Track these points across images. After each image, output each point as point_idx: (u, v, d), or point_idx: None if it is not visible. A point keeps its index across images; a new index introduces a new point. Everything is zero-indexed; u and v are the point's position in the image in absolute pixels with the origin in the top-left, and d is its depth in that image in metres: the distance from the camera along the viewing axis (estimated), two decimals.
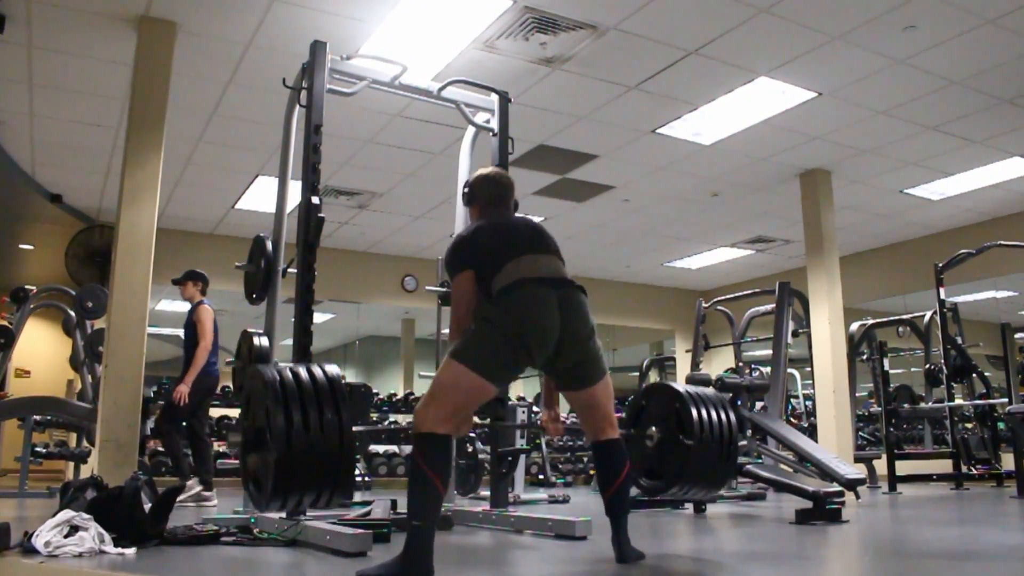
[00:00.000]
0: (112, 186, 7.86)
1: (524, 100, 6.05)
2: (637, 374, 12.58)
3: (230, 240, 9.61)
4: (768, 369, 7.22)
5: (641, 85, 6.04)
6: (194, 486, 5.49)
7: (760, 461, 6.13)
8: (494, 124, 4.48)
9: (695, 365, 8.35)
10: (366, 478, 7.94)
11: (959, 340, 8.23)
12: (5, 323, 7.78)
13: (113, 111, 6.37)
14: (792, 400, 10.10)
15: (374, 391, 8.87)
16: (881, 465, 7.82)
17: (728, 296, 8.80)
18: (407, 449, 9.42)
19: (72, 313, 7.65)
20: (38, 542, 2.80)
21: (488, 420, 4.26)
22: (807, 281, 8.15)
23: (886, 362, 8.00)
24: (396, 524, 3.58)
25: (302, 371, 2.88)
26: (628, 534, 2.81)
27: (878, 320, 9.25)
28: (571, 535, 3.54)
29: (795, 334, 7.57)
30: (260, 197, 8.39)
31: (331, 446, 2.77)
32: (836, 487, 4.75)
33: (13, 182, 7.89)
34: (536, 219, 6.69)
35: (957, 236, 9.46)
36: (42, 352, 11.08)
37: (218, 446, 9.05)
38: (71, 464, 7.66)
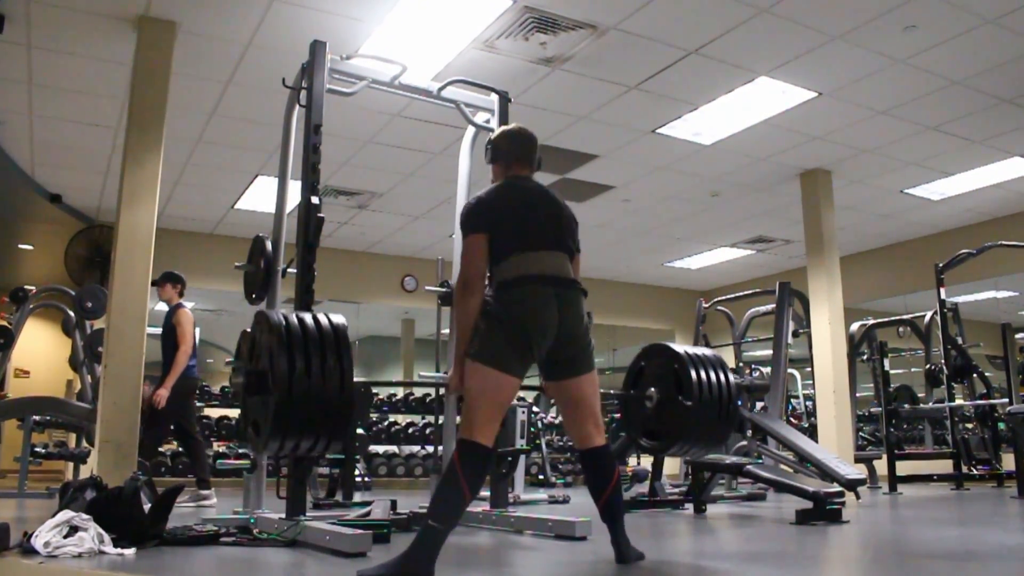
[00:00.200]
0: (112, 186, 7.85)
1: (524, 100, 6.04)
2: None
3: (230, 240, 9.61)
4: (768, 369, 7.21)
5: (641, 85, 6.03)
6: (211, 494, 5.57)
7: (760, 461, 6.12)
8: (494, 124, 4.47)
9: None
10: (366, 478, 7.94)
11: (959, 340, 8.23)
12: (5, 323, 7.78)
13: (113, 111, 6.37)
14: (792, 400, 10.08)
15: (374, 391, 8.87)
16: (881, 465, 7.81)
17: (728, 296, 8.80)
18: (407, 449, 9.43)
19: (71, 313, 7.64)
20: (37, 542, 2.80)
21: None
22: (807, 281, 8.15)
23: (886, 362, 7.99)
24: (396, 524, 3.58)
25: (307, 317, 2.88)
26: (627, 535, 2.81)
27: (878, 320, 9.24)
28: (571, 535, 3.54)
29: (795, 334, 7.56)
30: (260, 197, 8.39)
31: (331, 393, 2.78)
32: (836, 487, 4.75)
33: (12, 182, 7.89)
34: None
35: (957, 236, 9.46)
36: (41, 352, 11.08)
37: (218, 446, 9.06)
38: (70, 464, 7.66)
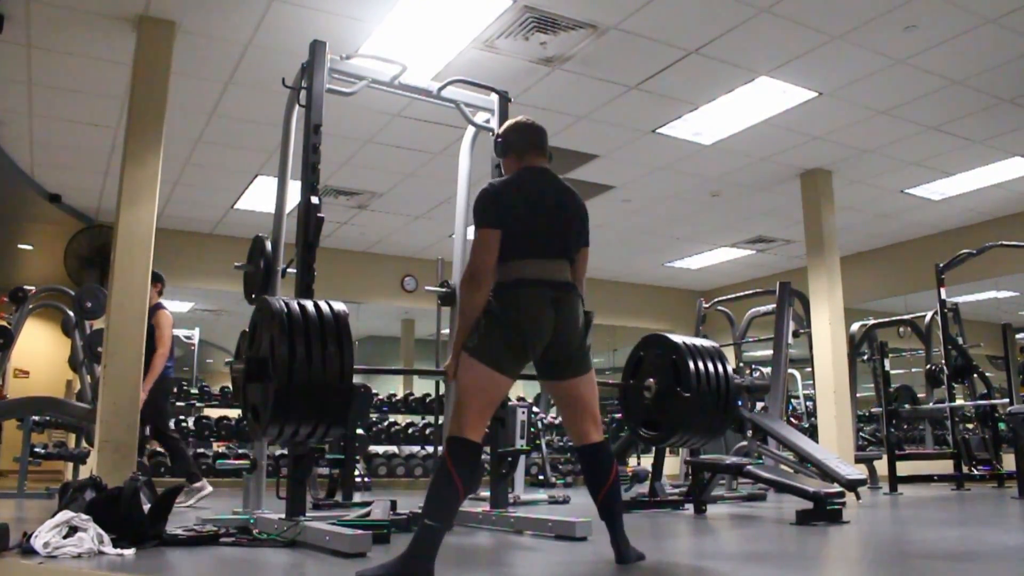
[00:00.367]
0: (111, 186, 7.85)
1: (524, 100, 6.04)
2: None
3: (229, 240, 9.60)
4: (769, 369, 7.21)
5: (641, 85, 6.03)
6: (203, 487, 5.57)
7: (761, 462, 6.12)
8: (494, 124, 4.47)
9: None
10: (366, 479, 7.93)
11: (960, 340, 8.22)
12: (4, 323, 7.77)
13: (112, 111, 6.36)
14: (793, 400, 10.08)
15: (374, 391, 8.86)
16: (882, 466, 7.81)
17: (728, 296, 8.79)
18: (407, 450, 9.42)
19: (71, 313, 7.63)
20: (37, 543, 2.80)
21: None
22: (808, 281, 8.14)
23: (887, 362, 7.98)
24: (396, 525, 3.57)
25: (309, 305, 2.88)
26: (626, 535, 2.81)
27: (879, 320, 9.24)
28: (571, 536, 3.54)
29: (796, 334, 7.56)
30: (259, 197, 8.38)
31: (331, 380, 2.78)
32: (837, 488, 4.74)
33: (12, 182, 7.88)
34: None
35: (958, 236, 9.45)
36: (41, 352, 11.08)
37: (218, 446, 9.06)
38: (70, 465, 7.65)
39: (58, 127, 6.77)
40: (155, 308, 5.76)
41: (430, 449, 9.14)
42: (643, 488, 6.22)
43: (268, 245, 4.12)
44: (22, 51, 5.48)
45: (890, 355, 8.14)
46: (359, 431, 6.50)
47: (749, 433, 6.55)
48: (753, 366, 8.26)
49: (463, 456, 2.53)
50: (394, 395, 9.81)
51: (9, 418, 7.16)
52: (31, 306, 7.86)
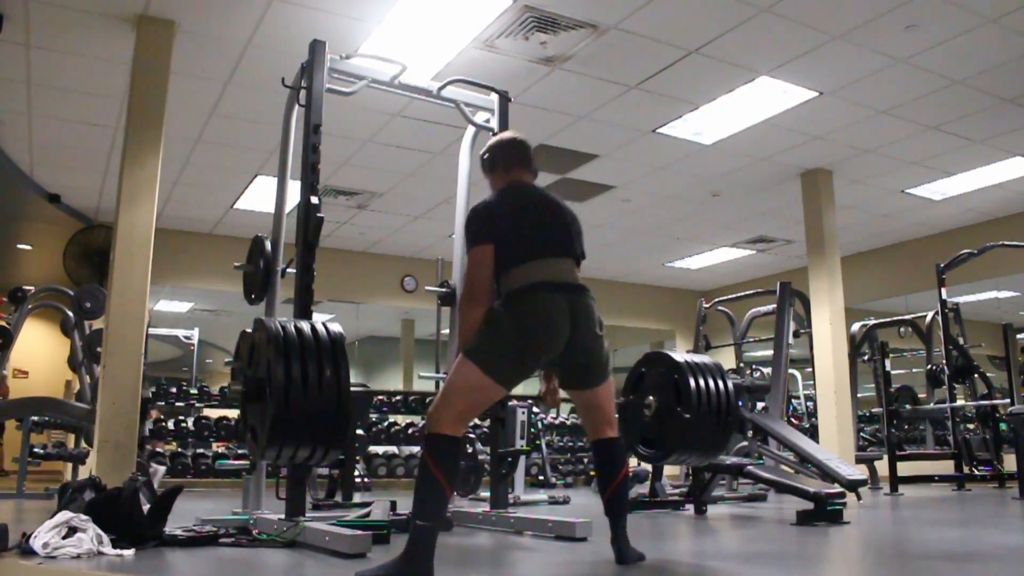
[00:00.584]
0: (110, 186, 7.84)
1: (524, 100, 6.03)
2: None
3: (229, 240, 9.60)
4: (769, 370, 7.20)
5: (641, 84, 6.02)
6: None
7: (761, 462, 6.11)
8: (494, 124, 4.46)
9: None
10: (365, 479, 7.92)
11: (961, 340, 8.21)
12: (3, 323, 7.76)
13: (111, 111, 6.36)
14: (793, 401, 10.07)
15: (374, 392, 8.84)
16: (882, 466, 7.80)
17: (729, 296, 8.78)
18: (407, 450, 9.41)
19: (70, 314, 7.62)
20: (36, 543, 2.79)
21: (488, 421, 4.24)
22: (808, 281, 8.14)
23: (887, 362, 7.97)
24: (396, 525, 3.56)
25: (305, 327, 2.87)
26: (627, 535, 2.80)
27: (880, 320, 9.23)
28: (571, 536, 3.53)
29: (796, 334, 7.55)
30: (259, 197, 8.38)
31: (328, 405, 2.77)
32: (837, 488, 4.74)
33: (11, 182, 7.87)
34: None
35: (959, 236, 9.44)
36: (40, 353, 11.07)
37: (217, 446, 9.05)
38: (69, 465, 7.64)
39: (57, 127, 6.76)
40: None
41: None
42: (643, 488, 6.21)
43: (268, 245, 4.11)
44: (21, 51, 5.47)
45: (891, 355, 8.13)
46: (359, 431, 6.50)
47: (749, 433, 6.54)
48: (753, 366, 8.26)
49: (442, 452, 2.51)
50: (394, 395, 9.79)
51: (9, 418, 7.16)
52: (30, 306, 7.85)
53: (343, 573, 2.60)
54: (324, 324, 2.94)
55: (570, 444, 9.93)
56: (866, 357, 9.11)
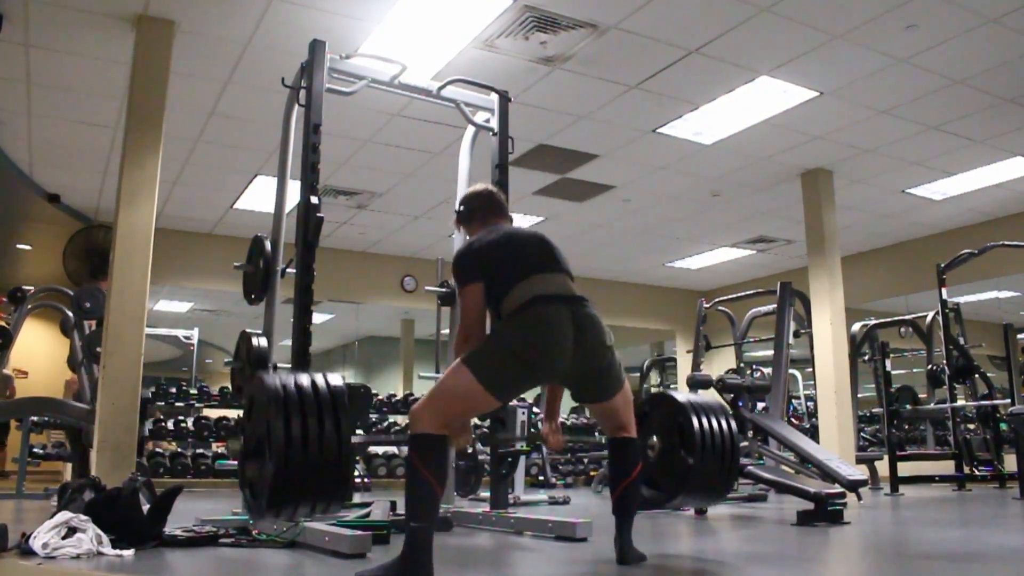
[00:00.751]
0: (110, 186, 7.83)
1: (524, 99, 6.03)
2: (638, 375, 12.57)
3: (229, 240, 9.59)
4: (769, 370, 7.20)
5: (642, 84, 6.02)
6: None
7: (761, 462, 6.11)
8: (494, 123, 4.45)
9: (696, 366, 8.32)
10: (365, 479, 7.92)
11: (961, 341, 8.21)
12: (3, 324, 7.76)
13: (111, 110, 6.35)
14: (793, 401, 10.07)
15: (373, 392, 8.84)
16: (883, 466, 7.79)
17: (729, 296, 8.77)
18: (407, 450, 9.39)
19: (70, 314, 7.62)
20: (36, 544, 2.78)
21: (488, 422, 4.24)
22: (808, 281, 8.13)
23: (888, 363, 7.97)
24: (395, 525, 3.56)
25: (305, 382, 2.84)
26: (631, 536, 2.79)
27: (880, 320, 9.22)
28: (571, 536, 3.52)
29: (796, 335, 7.55)
30: (259, 197, 8.37)
31: (329, 462, 2.75)
32: (838, 488, 4.73)
33: (11, 182, 7.87)
34: (536, 219, 6.63)
35: (959, 236, 9.44)
36: (40, 353, 11.06)
37: (216, 447, 9.04)
38: (69, 465, 7.63)
39: (57, 127, 6.76)
40: None
41: None
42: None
43: (267, 245, 4.11)
44: (21, 50, 5.47)
45: (891, 355, 8.12)
46: (359, 432, 6.49)
47: (750, 434, 6.53)
48: (754, 366, 8.25)
49: (429, 450, 2.49)
50: (394, 395, 9.79)
51: (8, 418, 7.15)
52: (30, 306, 7.84)
53: (343, 573, 2.59)
54: (323, 376, 2.91)
55: (569, 444, 9.91)
56: (866, 357, 9.10)
